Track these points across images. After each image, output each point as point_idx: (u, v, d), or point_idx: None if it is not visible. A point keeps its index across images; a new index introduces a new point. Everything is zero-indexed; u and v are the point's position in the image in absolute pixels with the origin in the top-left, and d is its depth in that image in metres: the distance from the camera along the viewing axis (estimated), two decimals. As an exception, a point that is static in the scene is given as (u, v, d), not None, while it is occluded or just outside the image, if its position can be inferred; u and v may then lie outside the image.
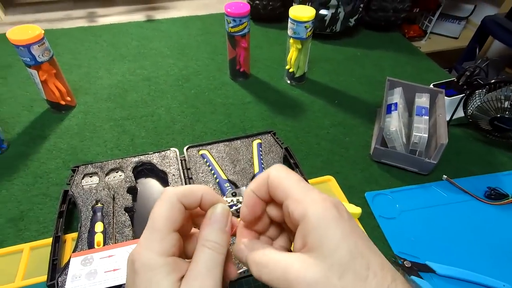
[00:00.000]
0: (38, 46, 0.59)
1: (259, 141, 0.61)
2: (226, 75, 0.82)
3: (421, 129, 0.59)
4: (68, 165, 0.59)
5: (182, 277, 0.24)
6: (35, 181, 0.57)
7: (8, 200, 0.54)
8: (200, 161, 0.57)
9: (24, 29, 0.59)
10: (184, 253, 0.28)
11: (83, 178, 0.54)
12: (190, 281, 0.23)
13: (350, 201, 0.54)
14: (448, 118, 0.66)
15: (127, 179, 0.54)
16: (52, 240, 0.45)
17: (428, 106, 0.64)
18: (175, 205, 0.25)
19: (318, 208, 0.23)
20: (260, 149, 0.60)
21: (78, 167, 0.55)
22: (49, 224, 0.51)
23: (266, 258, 0.24)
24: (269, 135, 0.62)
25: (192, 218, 0.28)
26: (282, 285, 0.22)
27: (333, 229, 0.22)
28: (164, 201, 0.25)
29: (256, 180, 0.26)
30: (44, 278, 0.42)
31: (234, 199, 0.49)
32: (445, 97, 0.65)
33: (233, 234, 0.29)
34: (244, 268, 0.43)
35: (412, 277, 0.44)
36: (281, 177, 0.25)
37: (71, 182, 0.53)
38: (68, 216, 0.50)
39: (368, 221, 0.52)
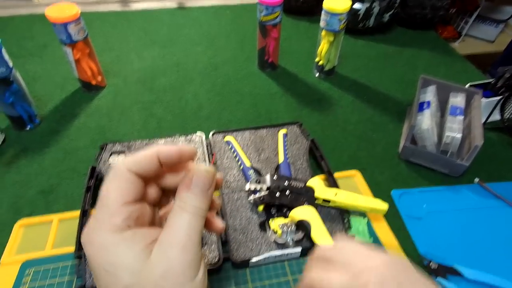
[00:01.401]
0: (75, 25, 0.60)
1: (284, 131, 0.60)
2: (254, 65, 0.81)
3: (454, 129, 0.57)
4: (96, 144, 0.61)
5: (151, 243, 0.22)
6: (65, 156, 0.59)
7: (39, 173, 0.56)
8: (225, 147, 0.57)
9: (62, 8, 0.60)
10: (154, 222, 0.26)
11: (110, 156, 0.55)
12: (165, 248, 0.22)
13: (376, 198, 0.53)
14: (483, 120, 0.63)
15: (153, 160, 0.54)
16: (80, 213, 0.46)
17: (463, 107, 0.62)
18: (123, 176, 0.23)
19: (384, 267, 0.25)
20: (286, 139, 0.59)
21: (106, 144, 0.56)
22: (77, 198, 0.52)
23: None
24: (295, 126, 0.62)
25: (160, 180, 0.26)
26: None
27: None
28: (111, 174, 0.23)
29: None
30: (72, 249, 0.43)
31: (258, 186, 0.49)
32: (482, 98, 0.62)
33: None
34: (264, 255, 0.43)
35: (439, 278, 0.43)
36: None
37: (99, 159, 0.54)
38: (95, 192, 0.51)
39: (394, 220, 0.51)
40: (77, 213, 0.47)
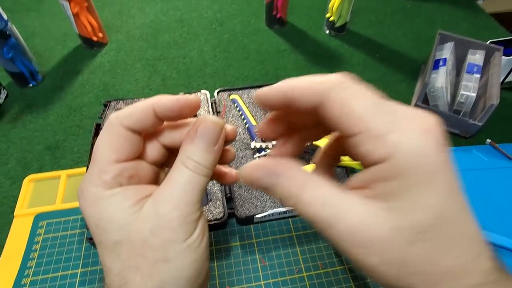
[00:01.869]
0: (72, -26, 0.57)
1: (292, 89, 0.58)
2: (262, 21, 0.77)
3: (469, 88, 0.54)
4: (100, 101, 0.60)
5: (143, 198, 0.21)
6: (69, 113, 0.58)
7: (44, 129, 0.56)
8: (230, 105, 0.56)
9: (59, -45, 0.57)
10: (158, 182, 0.24)
11: (115, 113, 0.54)
12: (158, 203, 0.20)
13: (383, 158, 0.52)
14: (501, 79, 0.60)
15: (158, 118, 0.54)
16: (86, 170, 0.47)
17: (482, 65, 0.58)
18: (115, 130, 0.21)
19: (418, 143, 0.15)
20: (293, 98, 0.57)
21: (110, 102, 0.55)
22: (83, 154, 0.52)
23: (323, 200, 0.17)
24: (304, 84, 0.59)
25: (162, 136, 0.24)
26: (328, 231, 0.16)
27: (438, 180, 0.15)
28: (104, 128, 0.22)
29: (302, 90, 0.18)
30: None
31: (263, 144, 0.48)
32: (503, 56, 0.59)
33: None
34: (268, 211, 0.43)
35: None
36: (346, 101, 0.16)
37: (103, 116, 0.53)
38: (100, 148, 0.51)
39: (401, 179, 0.50)
40: (84, 169, 0.48)
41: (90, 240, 0.41)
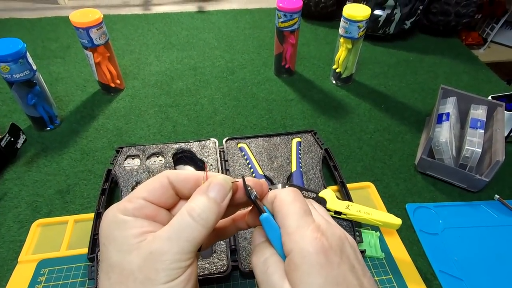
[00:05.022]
0: (96, 29, 0.62)
1: (298, 139, 0.60)
2: (271, 71, 0.81)
3: (474, 143, 0.55)
4: (112, 145, 0.62)
5: (147, 232, 0.23)
6: (82, 157, 0.60)
7: (57, 173, 0.58)
8: (238, 153, 0.57)
9: (85, 12, 0.62)
10: None
11: (125, 159, 0.56)
12: (154, 242, 0.22)
13: (389, 211, 0.52)
14: (506, 134, 0.60)
15: (167, 164, 0.55)
16: (94, 216, 0.47)
17: (485, 120, 0.59)
18: (159, 179, 0.25)
19: (305, 247, 0.22)
20: (299, 147, 0.59)
21: (122, 148, 0.57)
22: (92, 199, 0.54)
23: (265, 268, 0.24)
24: (310, 134, 0.61)
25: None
26: None
27: (313, 276, 0.21)
28: (155, 176, 0.25)
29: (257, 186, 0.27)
30: (85, 250, 0.44)
31: (270, 195, 0.49)
32: (505, 111, 0.60)
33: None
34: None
35: None
36: (285, 202, 0.24)
37: (115, 162, 0.55)
38: (109, 194, 0.52)
39: (408, 234, 0.50)
40: (91, 215, 0.48)
41: (93, 290, 0.40)
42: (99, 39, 0.63)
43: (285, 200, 0.25)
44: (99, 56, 0.65)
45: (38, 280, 0.43)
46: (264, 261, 0.24)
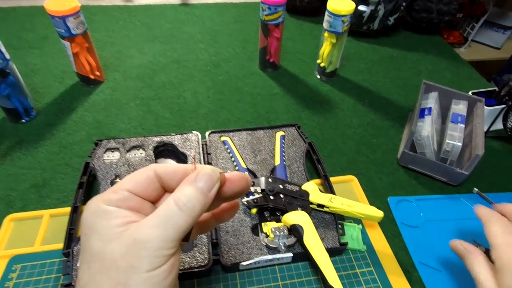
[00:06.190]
0: (74, 18, 0.59)
1: (282, 133, 0.60)
2: (255, 65, 0.80)
3: (455, 137, 0.56)
4: (92, 139, 0.60)
5: (130, 222, 0.23)
6: (60, 150, 0.58)
7: (33, 166, 0.55)
8: (221, 147, 0.56)
9: (61, 1, 0.60)
10: None
11: (105, 152, 0.54)
12: (138, 230, 0.22)
13: (372, 205, 0.51)
14: (485, 129, 0.62)
15: (148, 158, 0.54)
16: (71, 210, 0.46)
17: (465, 114, 0.60)
18: (146, 172, 0.25)
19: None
20: (283, 141, 0.58)
21: (101, 141, 0.55)
22: (69, 194, 0.52)
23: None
24: (294, 128, 0.61)
25: None
26: None
27: None
28: (141, 169, 0.25)
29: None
30: (60, 245, 0.43)
31: (252, 188, 0.48)
32: (485, 107, 0.61)
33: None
34: (254, 259, 0.42)
35: None
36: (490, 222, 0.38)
37: (93, 155, 0.53)
38: (87, 188, 0.50)
39: (389, 227, 0.50)
40: (68, 209, 0.47)
41: (65, 287, 0.39)
42: (77, 28, 0.61)
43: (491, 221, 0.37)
44: (77, 47, 0.63)
45: (9, 277, 0.41)
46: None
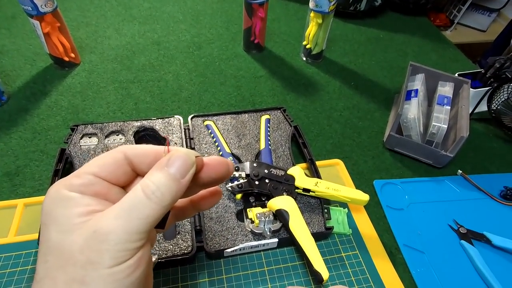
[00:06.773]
0: (43, -6, 0.55)
1: (267, 116, 0.58)
2: (240, 47, 0.78)
3: (440, 119, 0.56)
4: (67, 124, 0.57)
5: (93, 212, 0.21)
6: (34, 137, 0.55)
7: (5, 154, 0.52)
8: (204, 131, 0.55)
9: (29, -25, 0.55)
10: None
11: (81, 138, 0.51)
12: (100, 221, 0.20)
13: (358, 188, 0.51)
14: (470, 111, 0.62)
15: (127, 143, 0.51)
16: (45, 198, 0.44)
17: (451, 96, 0.60)
18: (114, 155, 0.23)
19: None
20: (268, 125, 0.57)
21: (77, 126, 0.53)
22: (45, 181, 0.49)
23: None
24: (279, 111, 0.59)
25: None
26: None
27: None
28: (109, 151, 0.23)
29: None
30: (36, 236, 0.41)
31: (237, 173, 0.47)
32: (470, 89, 0.61)
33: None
34: (239, 245, 0.41)
35: (462, 241, 0.46)
36: None
37: (69, 141, 0.51)
38: (64, 175, 0.48)
39: (375, 210, 0.50)
40: (43, 198, 0.44)
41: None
42: (45, 6, 0.56)
43: None
44: (47, 26, 0.59)
45: (-19, 270, 0.39)
46: None
